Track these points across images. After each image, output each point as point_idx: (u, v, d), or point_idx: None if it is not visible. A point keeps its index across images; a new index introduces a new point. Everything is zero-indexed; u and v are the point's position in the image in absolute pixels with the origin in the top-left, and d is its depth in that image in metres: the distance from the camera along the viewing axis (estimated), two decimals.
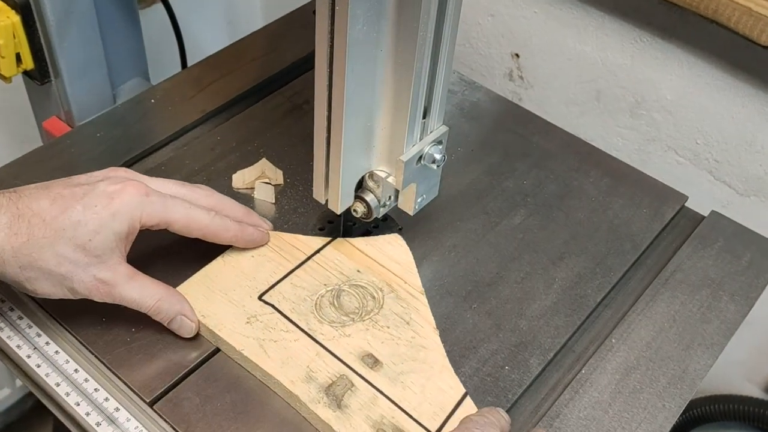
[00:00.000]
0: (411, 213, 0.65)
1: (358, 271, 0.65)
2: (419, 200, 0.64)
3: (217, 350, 0.60)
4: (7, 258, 0.54)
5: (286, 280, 0.63)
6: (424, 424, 0.56)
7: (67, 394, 0.57)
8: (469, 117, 0.83)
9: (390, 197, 0.65)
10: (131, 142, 0.75)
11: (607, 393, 0.60)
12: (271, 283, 0.63)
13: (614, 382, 0.61)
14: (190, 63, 1.08)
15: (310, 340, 0.60)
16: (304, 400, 0.56)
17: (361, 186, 0.64)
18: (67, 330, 0.61)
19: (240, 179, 0.73)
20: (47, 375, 0.58)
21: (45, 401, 0.59)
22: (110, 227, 0.56)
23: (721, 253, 0.71)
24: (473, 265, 0.68)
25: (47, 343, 0.60)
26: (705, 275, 0.69)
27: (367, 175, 0.63)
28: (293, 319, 0.61)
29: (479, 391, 0.59)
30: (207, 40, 1.26)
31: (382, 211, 0.65)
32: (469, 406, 0.57)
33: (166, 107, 0.80)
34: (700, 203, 0.76)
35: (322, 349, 0.59)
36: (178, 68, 1.08)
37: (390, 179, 0.63)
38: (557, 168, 0.78)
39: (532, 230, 0.72)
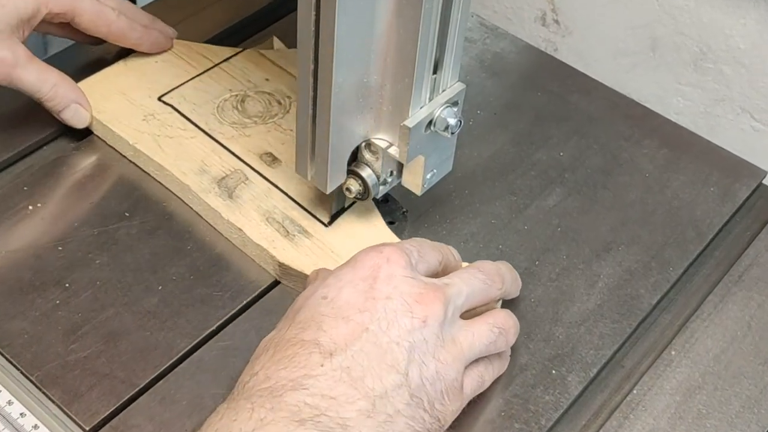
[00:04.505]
0: (418, 193, 0.65)
1: (267, 79, 0.77)
2: (429, 176, 0.64)
3: (177, 364, 0.60)
4: None
5: (189, 83, 0.76)
6: (318, 216, 0.67)
7: None
8: (491, 72, 0.83)
9: (392, 173, 0.65)
10: None
11: (665, 419, 0.60)
12: (174, 86, 0.75)
13: (674, 405, 0.61)
14: (141, 3, 1.07)
15: (208, 138, 0.72)
16: (195, 189, 0.68)
17: (355, 159, 0.64)
18: None
19: None
20: None
21: None
22: (14, 3, 0.66)
23: None
24: (497, 258, 0.68)
25: None
26: None
27: (363, 144, 0.63)
28: (192, 119, 0.73)
29: (504, 416, 0.59)
30: None
31: (382, 190, 0.65)
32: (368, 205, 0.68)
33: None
34: None
35: (219, 146, 0.71)
36: None
37: (392, 150, 0.62)
38: (602, 136, 0.78)
39: (570, 214, 0.72)
